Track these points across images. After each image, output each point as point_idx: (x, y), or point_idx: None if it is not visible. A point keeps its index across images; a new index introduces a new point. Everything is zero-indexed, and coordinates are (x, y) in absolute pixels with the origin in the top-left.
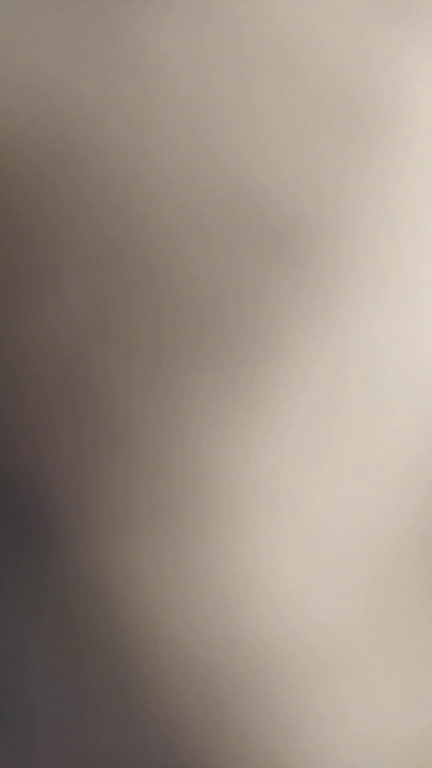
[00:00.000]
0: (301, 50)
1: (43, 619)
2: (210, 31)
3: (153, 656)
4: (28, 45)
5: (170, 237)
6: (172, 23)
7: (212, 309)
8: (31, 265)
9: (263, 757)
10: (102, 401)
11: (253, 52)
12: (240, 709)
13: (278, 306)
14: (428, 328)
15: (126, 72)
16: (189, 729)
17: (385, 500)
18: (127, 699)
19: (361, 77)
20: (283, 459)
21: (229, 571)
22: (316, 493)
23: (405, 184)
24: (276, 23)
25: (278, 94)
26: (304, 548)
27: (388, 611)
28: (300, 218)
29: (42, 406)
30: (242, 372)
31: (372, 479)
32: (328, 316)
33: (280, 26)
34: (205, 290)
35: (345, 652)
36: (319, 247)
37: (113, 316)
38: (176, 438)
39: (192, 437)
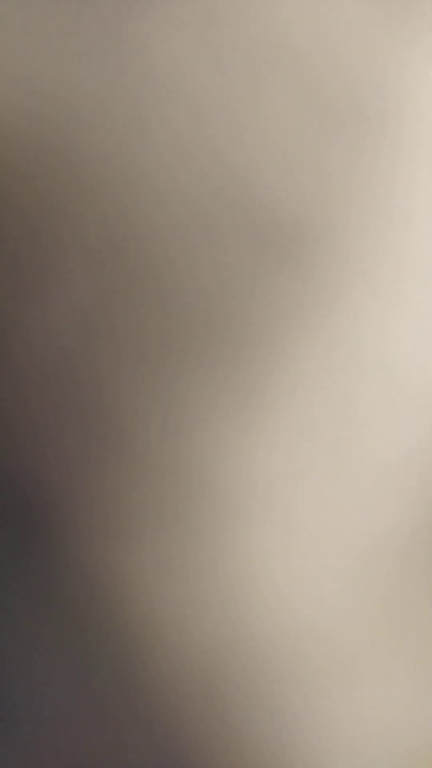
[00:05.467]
0: (306, 50)
1: (45, 618)
2: (216, 31)
3: (154, 655)
4: (34, 41)
5: (175, 236)
6: (178, 21)
7: (217, 309)
8: (35, 262)
9: (263, 756)
10: (105, 400)
11: (258, 52)
12: (240, 708)
13: (283, 307)
14: None
15: (132, 70)
16: (189, 728)
17: (387, 504)
18: (128, 698)
19: (365, 79)
20: (287, 462)
21: (231, 571)
22: (320, 497)
23: (411, 186)
24: (281, 24)
25: (283, 95)
26: (306, 551)
27: (386, 612)
28: (306, 219)
29: (45, 404)
30: (247, 374)
31: (376, 483)
32: (333, 318)
33: (285, 27)
34: (210, 290)
35: (344, 651)
36: (325, 249)
37: (117, 314)
38: (180, 439)
39: (195, 438)
